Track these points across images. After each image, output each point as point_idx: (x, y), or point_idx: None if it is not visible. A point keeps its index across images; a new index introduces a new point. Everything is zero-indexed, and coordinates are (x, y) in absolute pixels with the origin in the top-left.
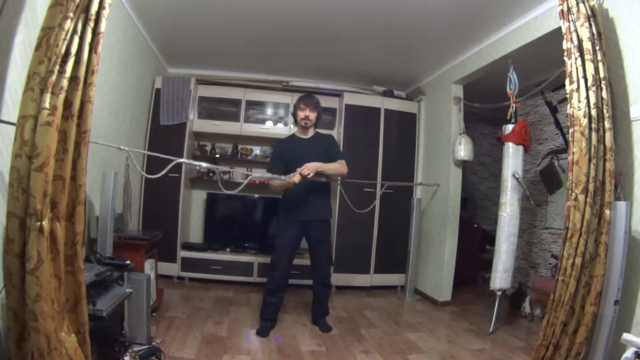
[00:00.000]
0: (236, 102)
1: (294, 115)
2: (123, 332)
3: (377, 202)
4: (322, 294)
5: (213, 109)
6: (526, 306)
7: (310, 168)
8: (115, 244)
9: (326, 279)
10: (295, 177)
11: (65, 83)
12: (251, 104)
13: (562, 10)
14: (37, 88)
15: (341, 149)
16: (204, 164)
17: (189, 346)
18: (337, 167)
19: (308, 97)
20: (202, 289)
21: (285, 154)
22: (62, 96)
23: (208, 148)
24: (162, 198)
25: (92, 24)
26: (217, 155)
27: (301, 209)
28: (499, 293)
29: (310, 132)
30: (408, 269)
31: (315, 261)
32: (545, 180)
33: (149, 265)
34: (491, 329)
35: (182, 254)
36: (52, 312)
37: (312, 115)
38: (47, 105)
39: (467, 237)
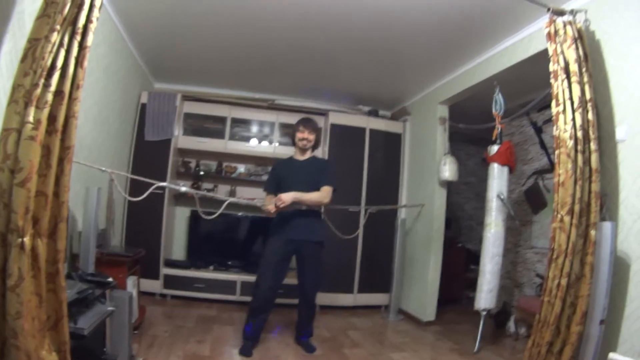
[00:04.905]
0: (222, 120)
1: (292, 137)
2: (105, 350)
3: (360, 228)
4: (307, 315)
5: (198, 125)
6: (511, 325)
7: (283, 199)
8: (98, 260)
9: (311, 301)
10: (270, 206)
11: (50, 97)
12: (236, 122)
13: (549, 33)
14: (22, 101)
15: None
16: (183, 188)
17: None
18: (317, 197)
19: (307, 120)
20: (184, 306)
21: (279, 173)
22: (46, 110)
23: (192, 165)
24: (145, 214)
25: (79, 37)
26: (202, 173)
27: (293, 228)
28: (484, 313)
29: (307, 155)
30: (392, 288)
31: (301, 282)
32: (529, 200)
33: (131, 282)
34: (476, 349)
35: (165, 271)
36: (33, 330)
37: (311, 137)
38: (31, 119)
39: (451, 257)
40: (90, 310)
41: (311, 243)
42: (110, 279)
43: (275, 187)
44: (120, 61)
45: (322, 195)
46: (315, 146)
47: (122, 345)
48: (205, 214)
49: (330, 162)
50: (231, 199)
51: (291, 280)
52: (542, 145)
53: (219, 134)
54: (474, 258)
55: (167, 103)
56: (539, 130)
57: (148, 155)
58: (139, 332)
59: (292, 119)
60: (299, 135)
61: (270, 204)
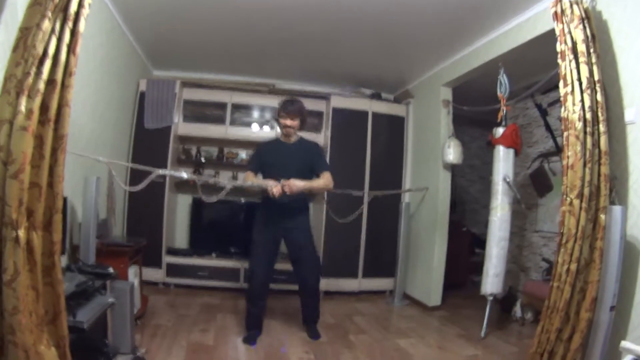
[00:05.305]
0: (222, 105)
1: (277, 121)
2: (106, 342)
3: (364, 210)
4: (309, 302)
5: (198, 112)
6: (517, 310)
7: (292, 188)
8: (99, 250)
9: (314, 286)
10: (276, 189)
11: (42, 86)
12: (237, 107)
13: (555, 12)
14: (14, 91)
15: (328, 153)
16: (184, 175)
17: (175, 355)
18: (323, 184)
19: (288, 103)
20: (188, 295)
21: (265, 156)
22: (38, 99)
23: (193, 152)
24: (147, 203)
25: (70, 23)
26: (203, 160)
27: (278, 215)
28: (490, 298)
29: (294, 138)
30: (397, 273)
31: (297, 270)
32: (535, 183)
33: (132, 272)
34: (482, 334)
35: (167, 259)
36: (31, 325)
37: (294, 123)
38: (22, 109)
39: (456, 241)
40: (90, 302)
41: (302, 229)
42: (110, 270)
43: (258, 169)
44: (117, 50)
45: (326, 182)
46: (301, 127)
47: (124, 336)
48: (206, 200)
49: (319, 145)
50: (235, 183)
51: (289, 265)
52: (548, 127)
53: (220, 120)
54: (479, 242)
55: (167, 90)
56: (544, 113)
57: (148, 144)
58: (141, 322)
59: None
60: (281, 121)
61: (275, 186)
